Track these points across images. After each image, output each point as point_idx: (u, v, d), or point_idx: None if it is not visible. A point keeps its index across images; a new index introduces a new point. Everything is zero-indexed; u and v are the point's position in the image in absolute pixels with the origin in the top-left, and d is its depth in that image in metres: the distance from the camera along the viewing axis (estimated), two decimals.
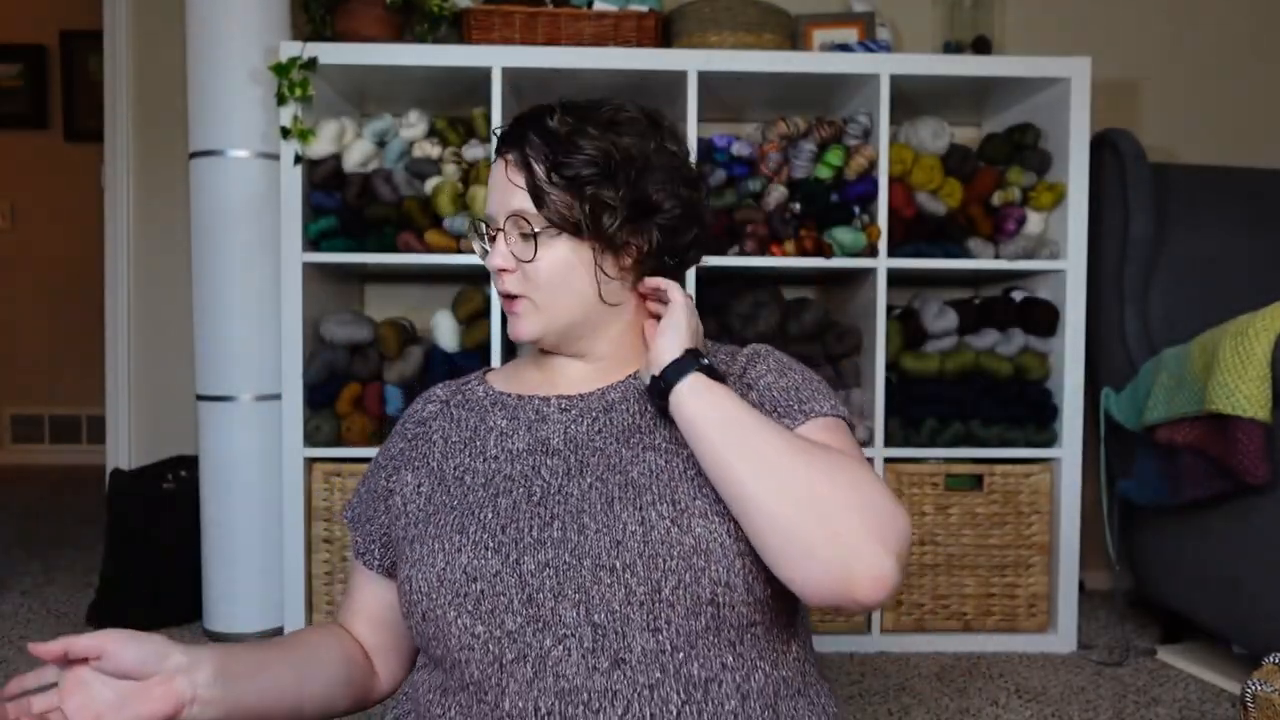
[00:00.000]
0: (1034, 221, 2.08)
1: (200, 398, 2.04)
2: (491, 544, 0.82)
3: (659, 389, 0.84)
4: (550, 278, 0.88)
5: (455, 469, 0.90)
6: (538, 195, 0.86)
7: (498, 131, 0.93)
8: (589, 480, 0.84)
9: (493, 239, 0.90)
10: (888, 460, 2.03)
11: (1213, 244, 2.16)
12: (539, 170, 0.86)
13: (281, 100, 1.92)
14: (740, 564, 0.79)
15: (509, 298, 0.91)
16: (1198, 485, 1.75)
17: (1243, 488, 1.66)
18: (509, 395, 0.94)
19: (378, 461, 0.99)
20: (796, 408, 0.87)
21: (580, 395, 0.91)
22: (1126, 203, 2.10)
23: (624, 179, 0.87)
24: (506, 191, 0.88)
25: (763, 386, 0.89)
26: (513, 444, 0.89)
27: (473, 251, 2.03)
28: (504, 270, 0.89)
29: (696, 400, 0.81)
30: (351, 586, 1.00)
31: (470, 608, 0.80)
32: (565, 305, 0.89)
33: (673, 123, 0.95)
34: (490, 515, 0.84)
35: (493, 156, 0.96)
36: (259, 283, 2.01)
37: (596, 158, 0.86)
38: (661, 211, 0.89)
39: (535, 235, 0.87)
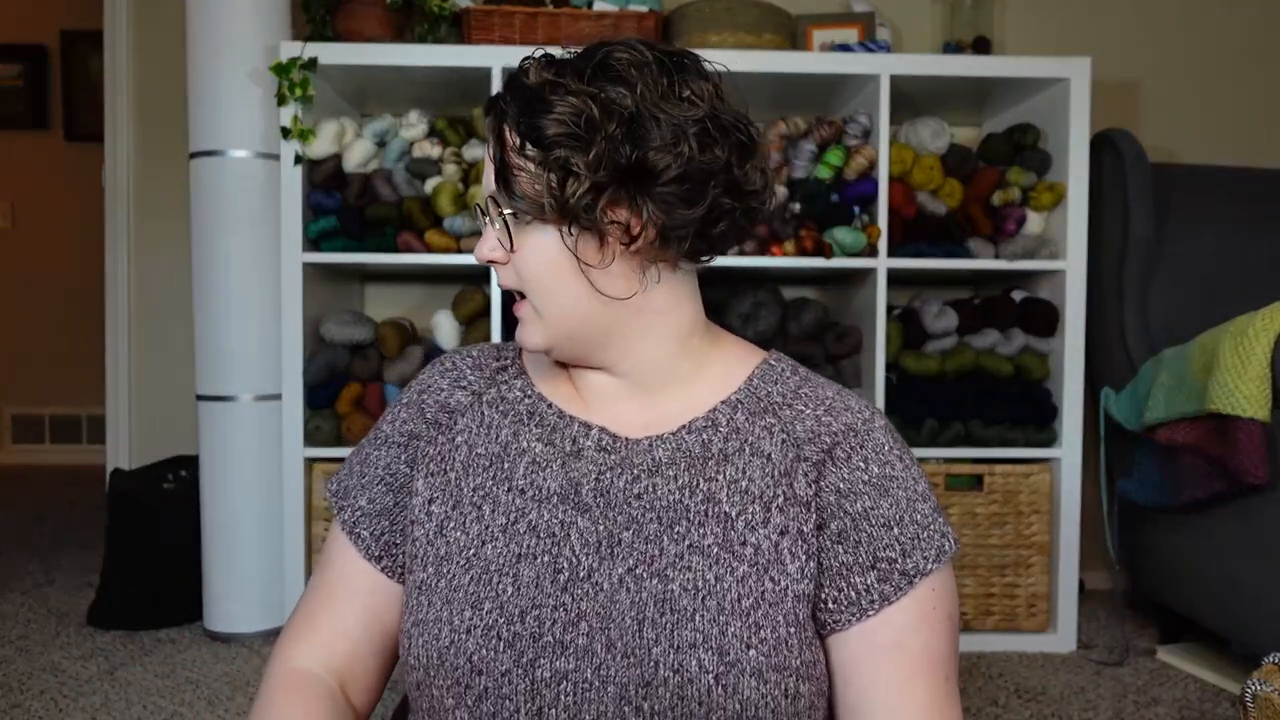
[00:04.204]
0: (1034, 221, 2.08)
1: (200, 398, 2.04)
2: (506, 634, 0.69)
3: None
4: (535, 272, 0.73)
5: (474, 491, 0.76)
6: (504, 172, 0.71)
7: None
8: (620, 571, 0.70)
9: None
10: None
11: (1213, 244, 2.16)
12: (510, 140, 0.71)
13: (282, 100, 1.92)
14: None
15: (515, 298, 0.76)
16: (1198, 486, 1.74)
17: (1243, 488, 1.65)
18: (549, 406, 0.79)
19: (384, 433, 0.83)
20: (898, 564, 0.71)
21: (625, 440, 0.76)
22: (1126, 203, 2.10)
23: (602, 138, 0.67)
24: (488, 170, 0.73)
25: (857, 512, 0.72)
26: (544, 480, 0.75)
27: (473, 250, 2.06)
28: (494, 262, 0.75)
29: None
30: (341, 593, 0.81)
31: (470, 703, 0.69)
32: (562, 307, 0.73)
33: (705, 64, 0.76)
34: (510, 590, 0.70)
35: None
36: (259, 283, 2.01)
37: (568, 115, 0.67)
38: (658, 177, 0.69)
39: (507, 221, 0.73)
